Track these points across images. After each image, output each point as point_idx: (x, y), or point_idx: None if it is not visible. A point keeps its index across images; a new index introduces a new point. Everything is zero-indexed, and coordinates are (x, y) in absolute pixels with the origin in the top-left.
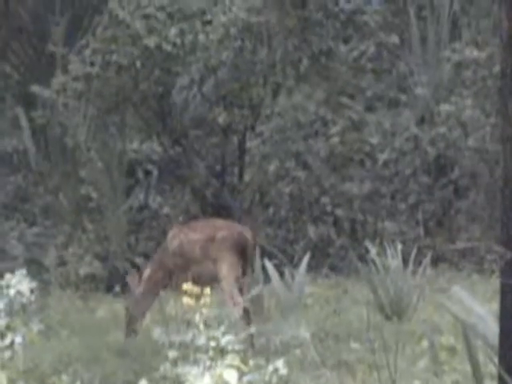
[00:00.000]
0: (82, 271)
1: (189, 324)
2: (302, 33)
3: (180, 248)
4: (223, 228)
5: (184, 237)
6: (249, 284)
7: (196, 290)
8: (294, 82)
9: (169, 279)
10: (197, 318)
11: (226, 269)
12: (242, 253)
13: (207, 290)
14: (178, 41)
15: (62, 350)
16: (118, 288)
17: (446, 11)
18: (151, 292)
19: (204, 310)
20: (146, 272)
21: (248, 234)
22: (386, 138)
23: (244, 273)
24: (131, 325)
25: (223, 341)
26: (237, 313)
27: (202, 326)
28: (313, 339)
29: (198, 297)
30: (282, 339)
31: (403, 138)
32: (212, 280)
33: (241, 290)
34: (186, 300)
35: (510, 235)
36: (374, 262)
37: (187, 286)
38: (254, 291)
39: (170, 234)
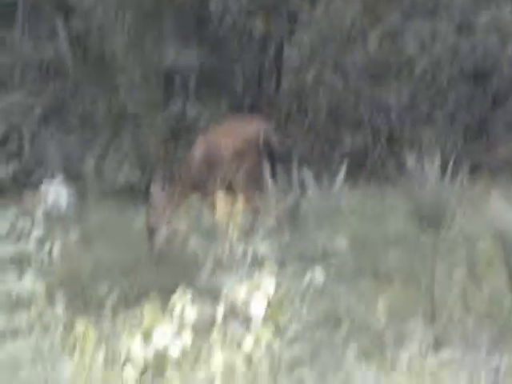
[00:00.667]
0: (120, 180)
1: (224, 233)
2: None
3: (206, 154)
4: (248, 129)
5: (209, 143)
6: (278, 187)
7: (230, 199)
8: None
9: (193, 189)
10: (231, 227)
11: (248, 169)
12: (269, 153)
13: (241, 198)
14: None
15: (100, 259)
16: None
17: None
18: (173, 203)
19: (239, 219)
20: (171, 182)
21: (273, 134)
22: (424, 46)
23: (273, 174)
24: (151, 236)
25: (260, 249)
26: (252, 212)
27: (236, 235)
28: (350, 248)
29: (231, 206)
30: (318, 248)
31: (441, 47)
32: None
33: (264, 192)
34: (219, 209)
35: None
36: (411, 171)
37: (220, 195)
38: (290, 200)
39: (196, 143)
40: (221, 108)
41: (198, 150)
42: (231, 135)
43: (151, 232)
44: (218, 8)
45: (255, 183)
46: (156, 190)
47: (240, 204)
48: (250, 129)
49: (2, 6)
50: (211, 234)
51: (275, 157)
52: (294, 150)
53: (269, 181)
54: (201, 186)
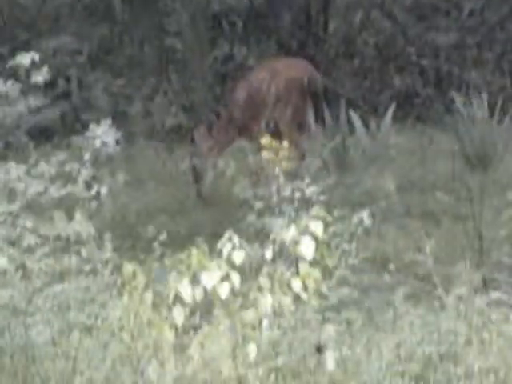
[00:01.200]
0: (168, 122)
1: (270, 177)
2: None
3: (249, 97)
4: (292, 70)
5: (252, 85)
6: (326, 129)
7: (275, 143)
8: None
9: (238, 132)
10: (277, 170)
11: (292, 111)
12: (313, 95)
13: (285, 144)
14: None
15: (147, 201)
16: None
17: None
18: (217, 145)
19: (284, 163)
20: (215, 125)
21: (318, 76)
22: None
23: (317, 116)
24: (197, 179)
25: (308, 191)
26: (296, 154)
27: (282, 179)
28: (398, 190)
29: (277, 150)
30: (366, 190)
31: None
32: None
33: (310, 134)
34: (265, 153)
35: None
36: (459, 112)
37: (266, 139)
38: (336, 140)
39: (238, 85)
40: (268, 50)
41: (241, 93)
42: (275, 77)
43: (196, 174)
44: None
45: (300, 125)
46: (200, 132)
47: (286, 147)
48: (293, 70)
49: None
50: (258, 177)
51: (320, 98)
52: (342, 91)
53: (312, 123)
54: (245, 129)
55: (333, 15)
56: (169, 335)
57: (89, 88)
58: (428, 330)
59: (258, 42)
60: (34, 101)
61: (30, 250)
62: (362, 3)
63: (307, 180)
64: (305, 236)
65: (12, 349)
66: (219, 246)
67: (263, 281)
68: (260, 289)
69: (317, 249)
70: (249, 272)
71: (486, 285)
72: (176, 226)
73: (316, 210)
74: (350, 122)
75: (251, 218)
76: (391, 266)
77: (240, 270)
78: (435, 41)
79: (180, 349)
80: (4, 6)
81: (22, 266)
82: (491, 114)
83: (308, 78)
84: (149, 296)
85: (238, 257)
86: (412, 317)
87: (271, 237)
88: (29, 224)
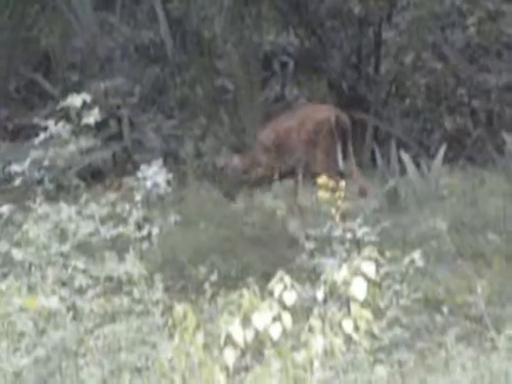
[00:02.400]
0: (219, 163)
1: (324, 216)
2: None
3: (277, 139)
4: (319, 114)
5: (279, 129)
6: (357, 169)
7: (331, 183)
8: None
9: (267, 173)
10: (332, 210)
11: (322, 153)
12: (341, 136)
13: (342, 183)
14: None
15: (199, 241)
16: None
17: None
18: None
19: (339, 203)
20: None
21: (345, 118)
22: None
23: (345, 157)
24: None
25: (359, 232)
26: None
27: (337, 219)
28: (449, 230)
29: (333, 190)
30: (418, 230)
31: None
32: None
33: (341, 175)
34: (320, 193)
35: None
36: (510, 152)
37: (323, 179)
38: (388, 182)
39: (265, 130)
40: (319, 90)
41: (269, 136)
42: (304, 121)
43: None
44: None
45: (332, 165)
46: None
47: (343, 187)
48: (321, 114)
49: None
50: (312, 217)
51: (348, 137)
52: (393, 132)
53: (341, 163)
54: (269, 171)
55: (384, 56)
56: (220, 376)
57: (140, 129)
58: (480, 371)
59: (308, 82)
60: (86, 142)
61: (81, 290)
62: (414, 44)
63: (359, 221)
64: (357, 277)
65: None
66: (270, 286)
67: (314, 321)
68: (311, 329)
69: (368, 289)
70: (300, 313)
71: None
72: (227, 266)
73: (368, 250)
74: (401, 162)
75: (302, 258)
76: (443, 307)
77: (291, 310)
78: (486, 82)
79: None
80: (56, 47)
81: (73, 307)
82: None
83: (335, 118)
84: (200, 337)
85: (290, 297)
86: (464, 358)
87: (323, 277)
88: (80, 265)
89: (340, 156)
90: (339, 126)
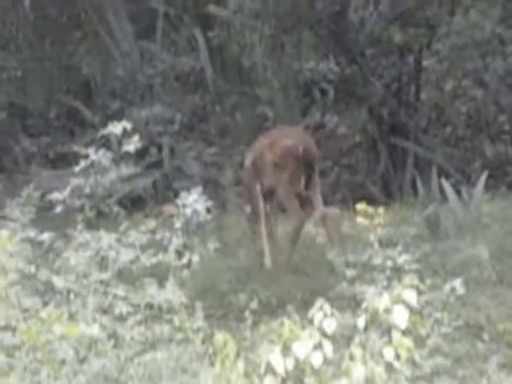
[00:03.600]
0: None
1: (364, 244)
2: None
3: (253, 161)
4: (287, 137)
5: (256, 150)
6: (320, 198)
7: (370, 209)
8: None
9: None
10: (371, 237)
11: (286, 179)
12: (306, 164)
13: (381, 210)
14: None
15: (239, 269)
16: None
17: None
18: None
19: (379, 230)
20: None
21: (312, 145)
22: None
23: (307, 185)
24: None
25: (400, 260)
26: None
27: (376, 246)
28: (490, 258)
29: (372, 217)
30: (459, 258)
31: None
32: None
33: (308, 202)
34: (360, 219)
35: None
36: None
37: (362, 205)
38: (429, 209)
39: (248, 151)
40: (359, 118)
41: (248, 157)
42: (273, 145)
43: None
44: (356, 18)
45: (297, 192)
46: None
47: (382, 213)
48: (289, 139)
49: (142, 18)
50: (352, 244)
51: (313, 168)
52: (434, 159)
53: (303, 190)
54: (248, 193)
55: (424, 83)
56: None
57: (180, 156)
58: None
59: (348, 109)
60: (126, 169)
61: (121, 318)
62: (454, 72)
63: (399, 248)
64: (398, 305)
65: None
66: (310, 314)
67: (355, 350)
68: (352, 358)
69: (409, 317)
70: (341, 341)
71: None
72: (267, 294)
73: (409, 278)
74: (442, 190)
75: (343, 285)
76: (484, 335)
77: (332, 338)
78: None
79: None
80: (97, 75)
81: (114, 335)
82: None
83: (303, 147)
84: (240, 365)
85: (330, 325)
86: None
87: (363, 305)
88: (120, 292)
89: (302, 183)
90: (305, 154)
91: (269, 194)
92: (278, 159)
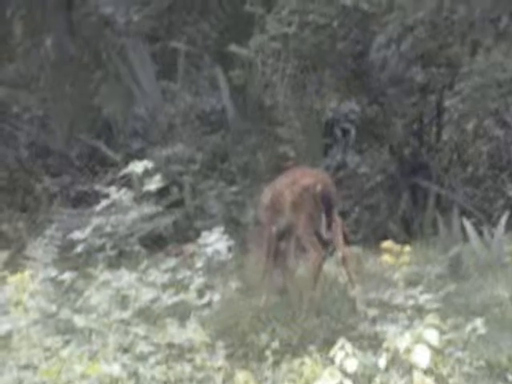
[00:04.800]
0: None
1: (388, 282)
2: None
3: (272, 200)
4: (307, 176)
5: (275, 189)
6: (342, 238)
7: (396, 247)
8: (492, 39)
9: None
10: (396, 276)
11: (305, 219)
12: (325, 204)
13: (407, 248)
14: None
15: (260, 308)
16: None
17: None
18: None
19: (404, 268)
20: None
21: (331, 185)
22: None
23: (329, 225)
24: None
25: (421, 299)
26: (313, 262)
27: (401, 284)
28: None
29: (397, 255)
30: (480, 298)
31: None
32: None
33: (328, 242)
34: (385, 257)
35: None
36: None
37: (387, 243)
38: (453, 251)
39: (265, 190)
40: (381, 158)
41: (266, 196)
42: (292, 183)
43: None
44: (378, 57)
45: (315, 232)
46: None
47: (407, 252)
48: (308, 179)
49: (164, 58)
50: (375, 283)
51: (333, 208)
52: (455, 199)
53: (324, 230)
54: (265, 232)
55: (446, 123)
56: None
57: (202, 195)
58: None
59: (370, 149)
60: (147, 208)
61: (142, 357)
62: (476, 111)
63: (420, 288)
64: (419, 344)
65: None
66: (332, 353)
67: None
68: None
69: (431, 357)
70: (362, 380)
71: None
72: (288, 333)
73: (430, 317)
74: (463, 229)
75: (364, 325)
76: (506, 375)
77: (353, 378)
78: None
79: None
80: (118, 115)
81: (135, 374)
82: None
83: (321, 187)
84: None
85: (351, 365)
86: None
87: (384, 345)
88: (141, 331)
89: (323, 223)
90: (324, 194)
91: (287, 234)
92: (297, 198)
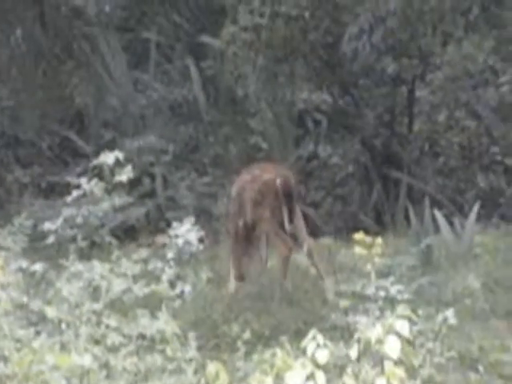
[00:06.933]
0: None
1: (360, 273)
2: None
3: (237, 194)
4: (267, 172)
5: (240, 183)
6: (305, 231)
7: (368, 239)
8: (463, 31)
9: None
10: (368, 267)
11: (268, 213)
12: (287, 198)
13: (379, 240)
14: None
15: (231, 299)
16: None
17: None
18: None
19: (376, 260)
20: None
21: (291, 180)
22: None
23: (290, 218)
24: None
25: (393, 290)
26: (280, 254)
27: (373, 275)
28: (483, 289)
29: (369, 246)
30: (451, 289)
31: None
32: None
33: (291, 236)
34: (357, 249)
35: None
36: None
37: (359, 235)
38: (425, 242)
39: (234, 183)
40: (352, 149)
41: (233, 189)
42: (253, 179)
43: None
44: (350, 48)
45: (281, 225)
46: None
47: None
48: (268, 174)
49: (135, 48)
50: (347, 274)
51: (293, 202)
52: (426, 190)
53: (287, 224)
54: (231, 225)
55: (417, 114)
56: None
57: (173, 186)
58: None
59: (342, 140)
60: (119, 199)
61: (113, 348)
62: (447, 103)
63: (391, 279)
64: (390, 335)
65: None
66: (303, 344)
67: (348, 380)
68: None
69: (402, 348)
70: (333, 371)
71: None
72: (260, 324)
73: (401, 308)
74: (434, 220)
75: (336, 316)
76: (477, 366)
77: (324, 369)
78: None
79: None
80: (90, 105)
81: (106, 365)
82: None
83: (281, 181)
84: None
85: (323, 356)
86: None
87: (356, 336)
88: (113, 323)
89: (286, 217)
90: (284, 187)
91: (256, 226)
92: (258, 194)
